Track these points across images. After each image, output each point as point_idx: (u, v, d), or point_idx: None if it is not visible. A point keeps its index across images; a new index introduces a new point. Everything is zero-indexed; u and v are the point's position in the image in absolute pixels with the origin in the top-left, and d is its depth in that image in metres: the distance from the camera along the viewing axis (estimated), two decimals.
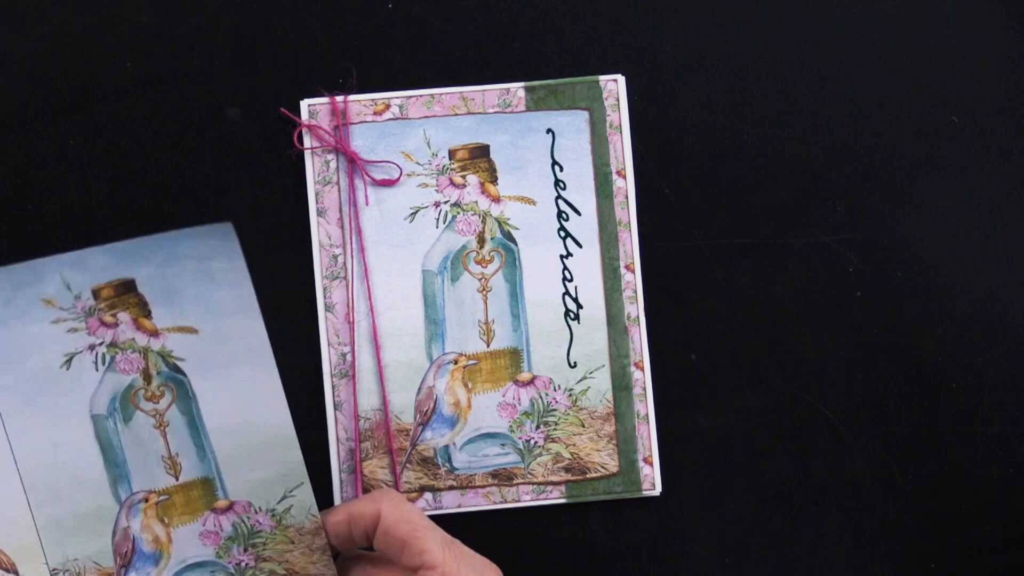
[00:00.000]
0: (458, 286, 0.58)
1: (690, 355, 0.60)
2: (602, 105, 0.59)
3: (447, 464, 0.58)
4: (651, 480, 0.58)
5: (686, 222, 0.60)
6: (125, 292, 0.49)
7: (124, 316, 0.49)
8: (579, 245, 0.59)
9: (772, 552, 0.60)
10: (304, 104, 0.59)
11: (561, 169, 0.59)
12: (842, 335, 0.60)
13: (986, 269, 0.61)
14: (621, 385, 0.59)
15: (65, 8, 0.59)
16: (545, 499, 0.58)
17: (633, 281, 0.59)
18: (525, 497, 0.58)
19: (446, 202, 0.59)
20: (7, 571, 0.49)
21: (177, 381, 0.49)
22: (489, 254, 0.59)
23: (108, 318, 0.49)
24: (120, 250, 0.48)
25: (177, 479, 0.50)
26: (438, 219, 0.59)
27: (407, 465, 0.58)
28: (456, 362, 0.58)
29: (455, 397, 0.58)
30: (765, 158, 0.60)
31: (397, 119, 0.59)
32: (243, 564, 0.50)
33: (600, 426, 0.58)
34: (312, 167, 0.58)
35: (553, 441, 0.58)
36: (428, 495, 0.58)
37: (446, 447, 0.58)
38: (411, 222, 0.58)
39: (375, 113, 0.59)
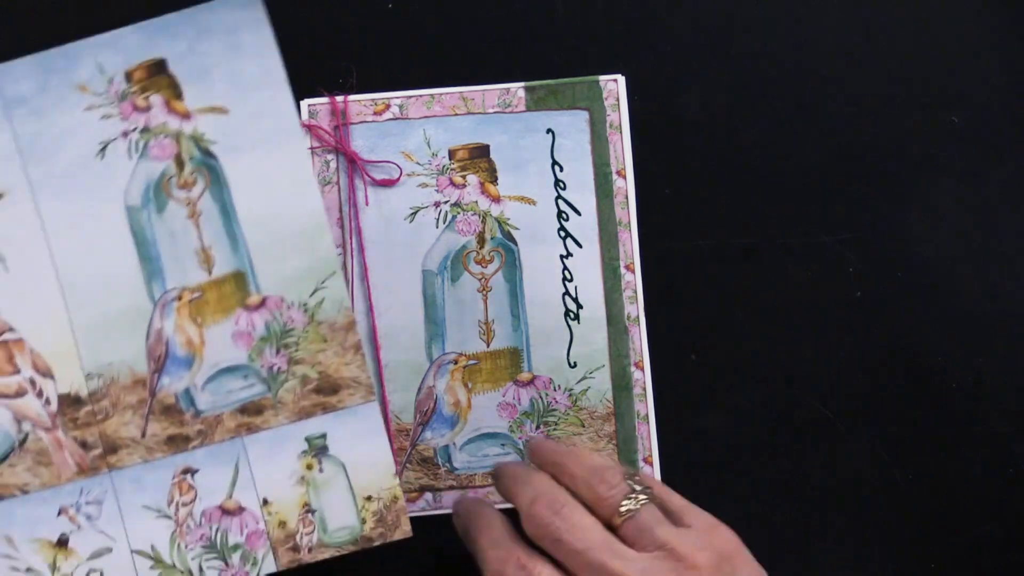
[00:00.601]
0: (458, 286, 0.58)
1: (690, 355, 0.60)
2: (602, 105, 0.59)
3: (447, 464, 0.58)
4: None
5: (686, 222, 0.60)
6: (157, 73, 0.49)
7: (156, 99, 0.49)
8: (579, 245, 0.59)
9: (772, 552, 0.59)
10: (304, 104, 0.59)
11: (561, 169, 0.59)
12: (842, 335, 0.60)
13: (986, 269, 0.61)
14: (621, 385, 0.59)
15: (65, 8, 0.59)
16: None
17: (633, 281, 0.59)
18: None
19: (446, 202, 0.59)
20: (43, 375, 0.49)
21: (210, 166, 0.49)
22: (489, 254, 0.58)
23: (141, 102, 0.49)
24: (152, 27, 0.48)
25: (210, 273, 0.49)
26: (438, 219, 0.58)
27: (407, 465, 0.58)
28: (456, 362, 0.58)
29: (455, 397, 0.58)
30: (765, 158, 0.60)
31: (397, 119, 0.59)
32: (275, 368, 0.50)
33: (600, 426, 0.58)
34: (312, 167, 0.58)
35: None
36: (428, 495, 0.58)
37: (446, 447, 0.58)
38: (411, 222, 0.58)
39: (375, 113, 0.58)
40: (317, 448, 0.50)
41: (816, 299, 0.60)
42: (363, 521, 0.50)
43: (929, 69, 0.61)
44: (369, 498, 0.50)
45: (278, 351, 0.49)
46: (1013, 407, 0.60)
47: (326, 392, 0.50)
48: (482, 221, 0.59)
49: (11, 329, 0.49)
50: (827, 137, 0.61)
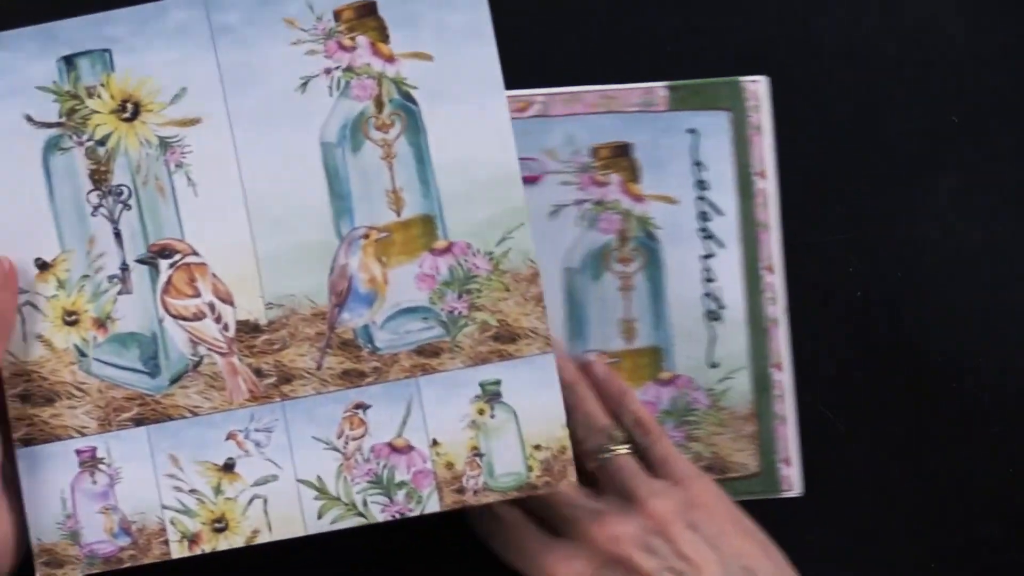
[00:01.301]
0: (600, 284, 0.58)
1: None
2: (744, 106, 0.58)
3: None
4: (790, 481, 0.58)
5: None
6: (366, 15, 0.49)
7: (362, 40, 0.49)
8: (721, 245, 0.58)
9: None
10: None
11: (703, 169, 0.58)
12: (842, 335, 0.60)
13: (986, 269, 0.61)
14: (762, 387, 0.58)
15: (66, 9, 0.59)
16: None
17: (773, 282, 0.58)
18: None
19: (589, 200, 0.58)
20: (223, 301, 0.49)
21: (408, 111, 0.49)
22: (631, 253, 0.58)
23: (347, 41, 0.49)
24: None
25: (399, 215, 0.50)
26: (580, 217, 0.58)
27: None
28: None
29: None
30: None
31: (539, 117, 0.57)
32: (455, 312, 0.50)
33: (741, 427, 0.58)
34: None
35: (694, 440, 0.58)
36: None
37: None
38: (554, 219, 0.58)
39: (517, 110, 0.57)
40: (490, 394, 0.50)
41: (816, 299, 0.60)
42: (530, 468, 0.50)
43: (929, 69, 0.61)
44: (538, 447, 0.50)
45: (460, 296, 0.50)
46: (1013, 407, 0.60)
47: (504, 340, 0.50)
48: (624, 220, 0.58)
49: (195, 253, 0.49)
50: (827, 137, 0.61)
